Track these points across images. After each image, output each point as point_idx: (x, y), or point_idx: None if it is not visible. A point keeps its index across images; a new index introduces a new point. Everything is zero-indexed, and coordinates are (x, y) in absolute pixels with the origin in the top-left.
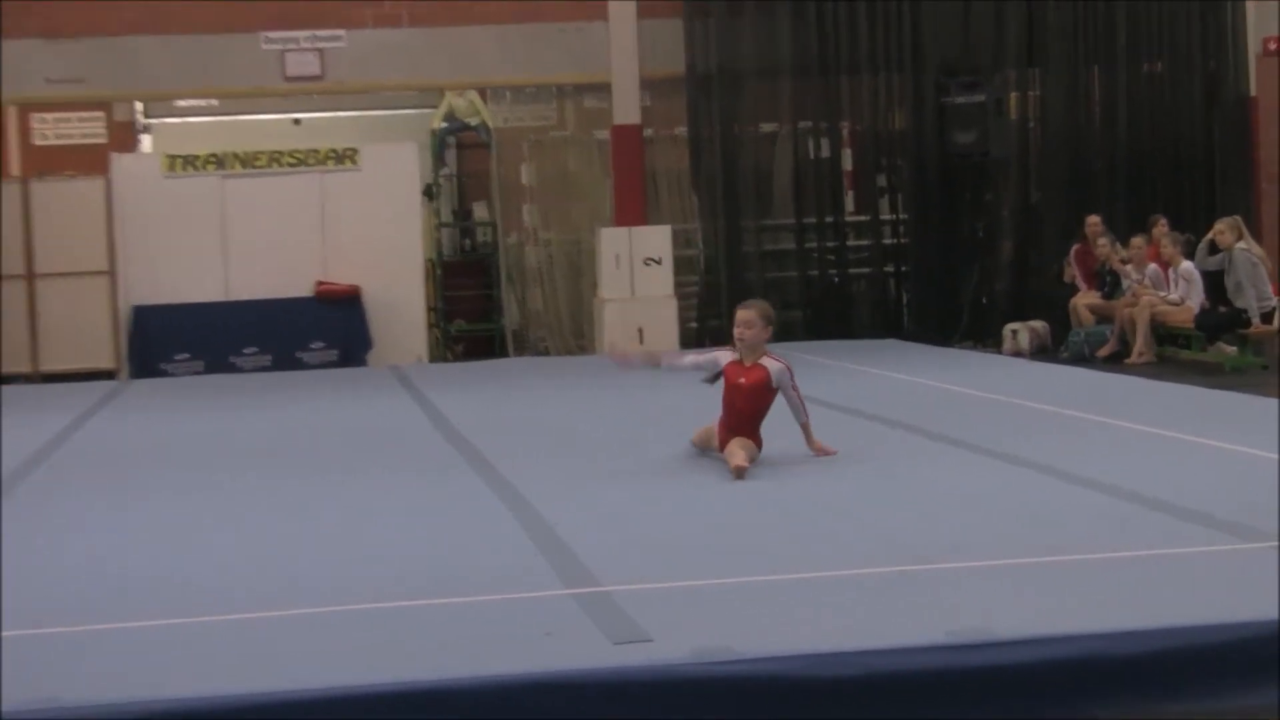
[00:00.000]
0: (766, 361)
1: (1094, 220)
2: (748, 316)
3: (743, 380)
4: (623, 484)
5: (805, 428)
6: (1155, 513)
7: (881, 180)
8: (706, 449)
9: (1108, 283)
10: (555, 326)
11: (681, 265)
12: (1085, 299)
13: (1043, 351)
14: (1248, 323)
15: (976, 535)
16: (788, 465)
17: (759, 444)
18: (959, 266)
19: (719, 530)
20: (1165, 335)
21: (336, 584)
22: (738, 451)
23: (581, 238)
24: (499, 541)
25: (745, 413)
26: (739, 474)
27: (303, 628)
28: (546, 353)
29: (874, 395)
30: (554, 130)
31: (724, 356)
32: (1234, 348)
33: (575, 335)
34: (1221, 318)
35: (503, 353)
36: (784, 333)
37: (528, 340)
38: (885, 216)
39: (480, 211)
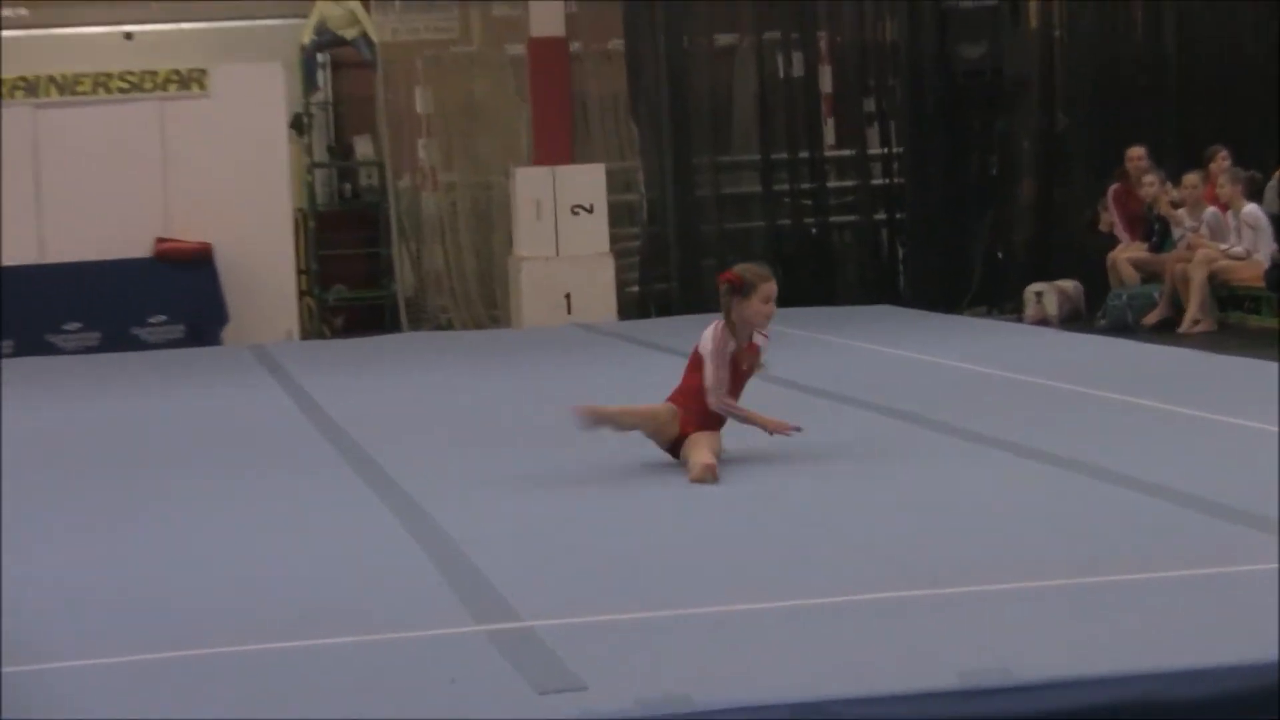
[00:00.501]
0: (759, 339)
1: (1137, 153)
2: (775, 290)
3: (745, 366)
4: (548, 490)
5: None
6: (1215, 520)
7: (869, 105)
8: (648, 436)
9: (1155, 232)
10: (460, 293)
11: (619, 214)
12: (1127, 252)
13: (1075, 318)
14: None
15: (993, 551)
16: (754, 462)
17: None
18: (968, 213)
19: (670, 547)
20: (1227, 297)
21: (177, 621)
22: (703, 449)
23: (492, 180)
24: (390, 564)
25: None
26: (707, 475)
27: (126, 677)
28: (449, 326)
29: (863, 376)
30: (456, 45)
31: (727, 340)
32: None
33: (485, 303)
34: None
35: (394, 326)
36: None
37: (425, 310)
38: (874, 151)
39: (363, 148)
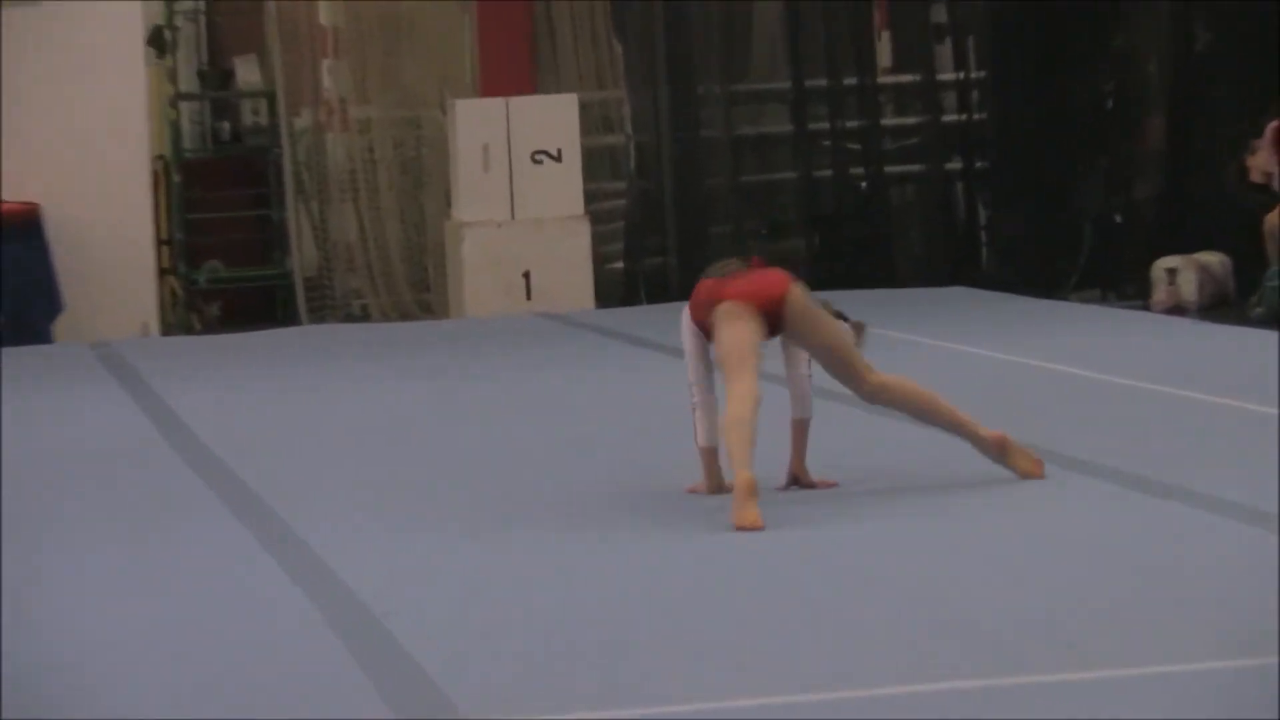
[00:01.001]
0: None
1: None
2: None
3: None
4: (496, 541)
5: None
6: None
7: (938, 14)
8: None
9: None
10: (379, 271)
11: (597, 163)
12: None
13: (1221, 304)
14: None
15: (1110, 621)
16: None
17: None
18: (1073, 161)
19: (660, 616)
20: None
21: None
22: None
23: (424, 117)
24: (281, 636)
25: None
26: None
27: None
28: (364, 316)
29: (935, 383)
30: None
31: None
32: None
33: (414, 286)
34: None
35: (289, 317)
36: None
37: (332, 295)
38: (945, 76)
39: (247, 74)
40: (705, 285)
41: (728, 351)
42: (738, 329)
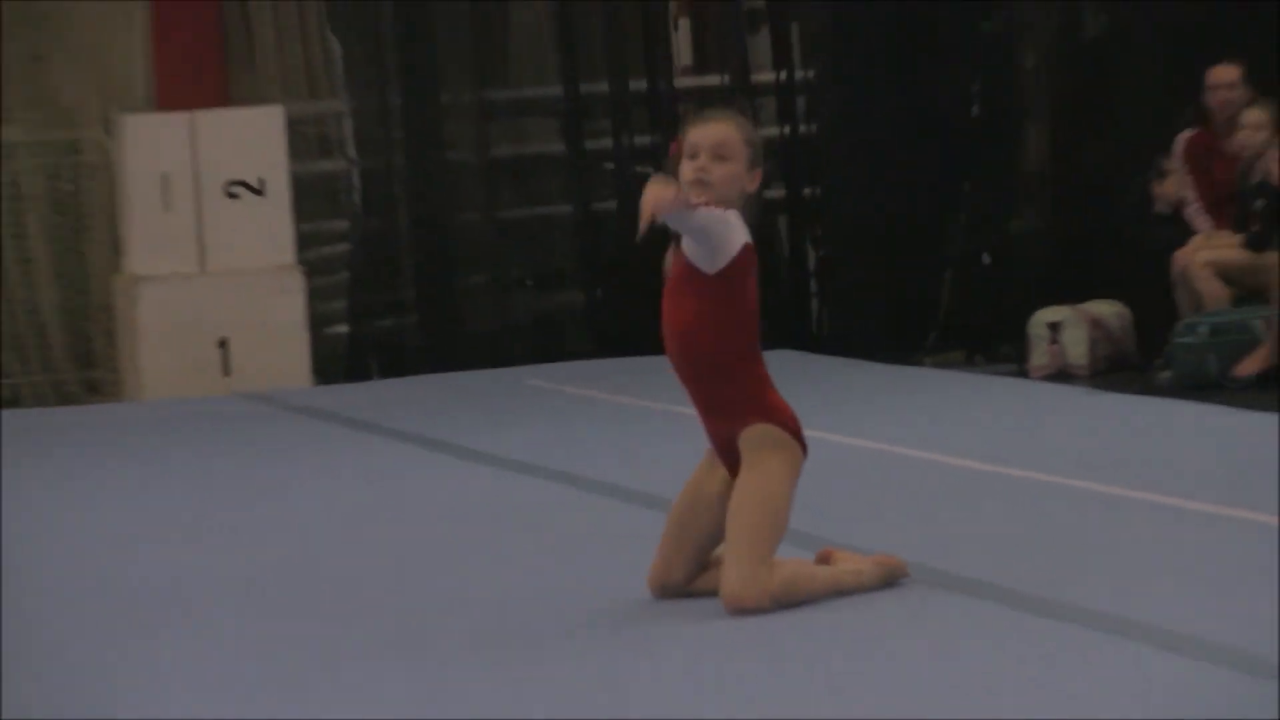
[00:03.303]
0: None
1: (1226, 76)
2: (720, 134)
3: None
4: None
5: None
6: None
7: None
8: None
9: (1257, 214)
10: (33, 343)
11: (314, 196)
12: (1210, 250)
13: (1120, 367)
14: None
15: None
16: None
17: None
18: (930, 187)
19: None
20: None
21: None
22: (726, 562)
23: (83, 140)
24: None
25: (688, 352)
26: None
27: None
28: (15, 401)
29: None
30: None
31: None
32: None
33: (77, 360)
34: None
35: None
36: (549, 339)
37: None
38: (762, 77)
39: None
40: None
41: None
42: None
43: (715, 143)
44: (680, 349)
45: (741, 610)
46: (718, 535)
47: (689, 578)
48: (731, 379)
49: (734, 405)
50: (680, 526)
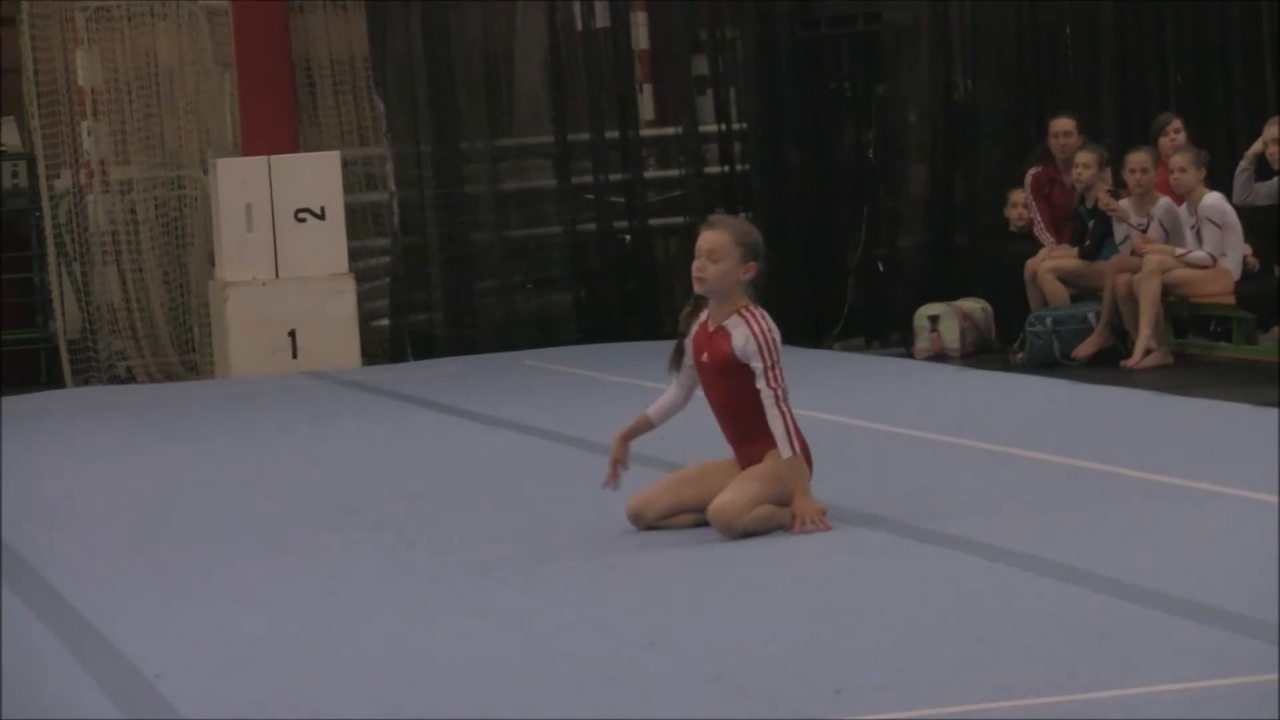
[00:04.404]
0: (733, 323)
1: (1064, 125)
2: (714, 240)
3: (705, 356)
4: (270, 603)
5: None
6: (1185, 622)
7: (700, 66)
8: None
9: (1089, 231)
10: (144, 333)
11: (362, 220)
12: (1051, 260)
13: (983, 350)
14: None
15: (909, 673)
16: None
17: (801, 456)
18: (836, 211)
19: (433, 683)
20: (1189, 318)
21: None
22: (726, 490)
23: (186, 177)
24: (52, 700)
25: (726, 409)
26: (723, 526)
27: None
28: (130, 378)
29: (700, 434)
30: None
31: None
32: None
33: (179, 346)
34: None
35: (54, 380)
36: (546, 331)
37: (97, 357)
38: (708, 128)
39: (6, 136)
40: None
41: None
42: None
43: (709, 249)
44: (723, 410)
45: (720, 519)
46: (702, 504)
47: (661, 518)
48: (762, 424)
49: (763, 439)
50: (681, 480)
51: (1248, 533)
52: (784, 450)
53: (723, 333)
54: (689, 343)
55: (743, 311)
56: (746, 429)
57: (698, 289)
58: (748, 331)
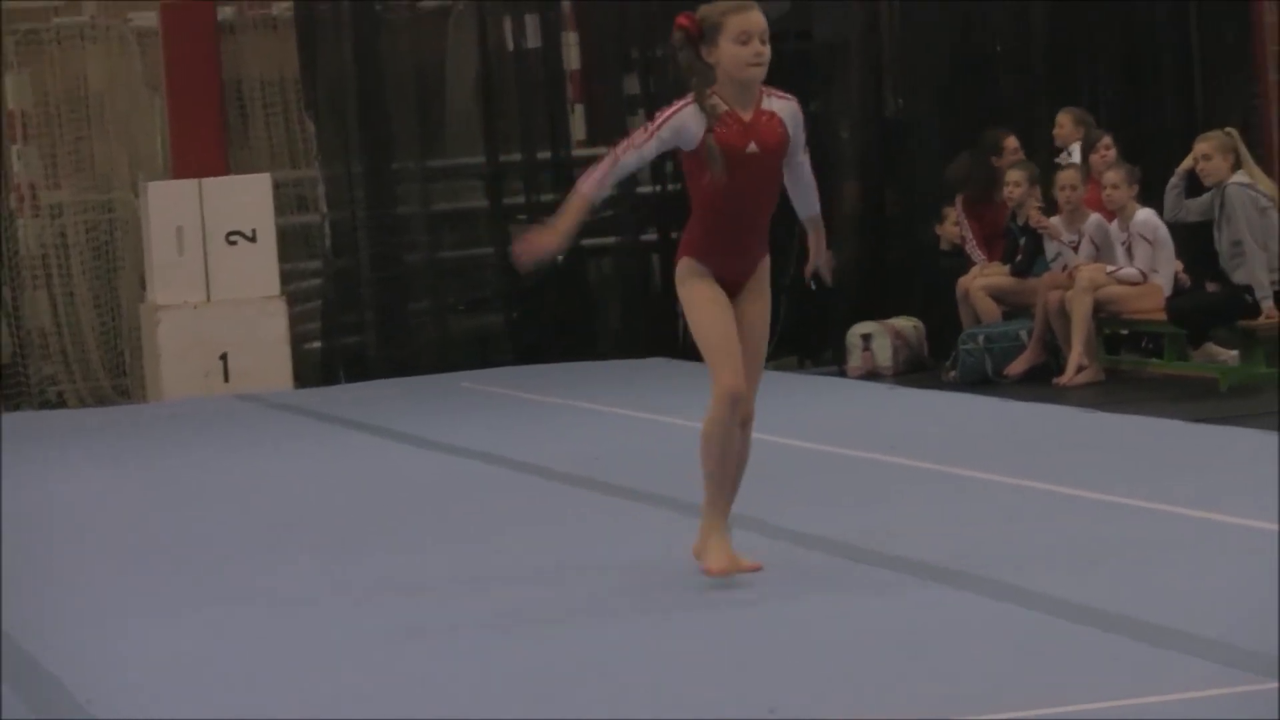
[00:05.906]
0: (776, 103)
1: (1013, 143)
2: (763, 21)
3: (753, 146)
4: (204, 622)
5: (817, 227)
6: (1118, 638)
7: (631, 86)
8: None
9: (1021, 249)
10: (75, 357)
11: (294, 243)
12: (983, 278)
13: (915, 368)
14: (1254, 308)
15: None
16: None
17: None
18: (769, 228)
19: (370, 699)
20: (1120, 335)
21: None
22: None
23: (116, 200)
24: None
25: (761, 205)
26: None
27: None
28: (60, 403)
29: (637, 452)
30: (59, 15)
31: (687, 116)
32: (1233, 351)
33: (110, 371)
34: (1211, 302)
35: None
36: (478, 350)
37: (27, 383)
38: None
39: None
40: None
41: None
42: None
43: (762, 30)
44: (757, 208)
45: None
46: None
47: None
48: (766, 226)
49: (762, 245)
50: (731, 340)
51: (1181, 548)
52: (816, 205)
53: (765, 116)
54: (712, 140)
55: (767, 92)
56: (764, 228)
57: (756, 75)
58: (793, 106)
